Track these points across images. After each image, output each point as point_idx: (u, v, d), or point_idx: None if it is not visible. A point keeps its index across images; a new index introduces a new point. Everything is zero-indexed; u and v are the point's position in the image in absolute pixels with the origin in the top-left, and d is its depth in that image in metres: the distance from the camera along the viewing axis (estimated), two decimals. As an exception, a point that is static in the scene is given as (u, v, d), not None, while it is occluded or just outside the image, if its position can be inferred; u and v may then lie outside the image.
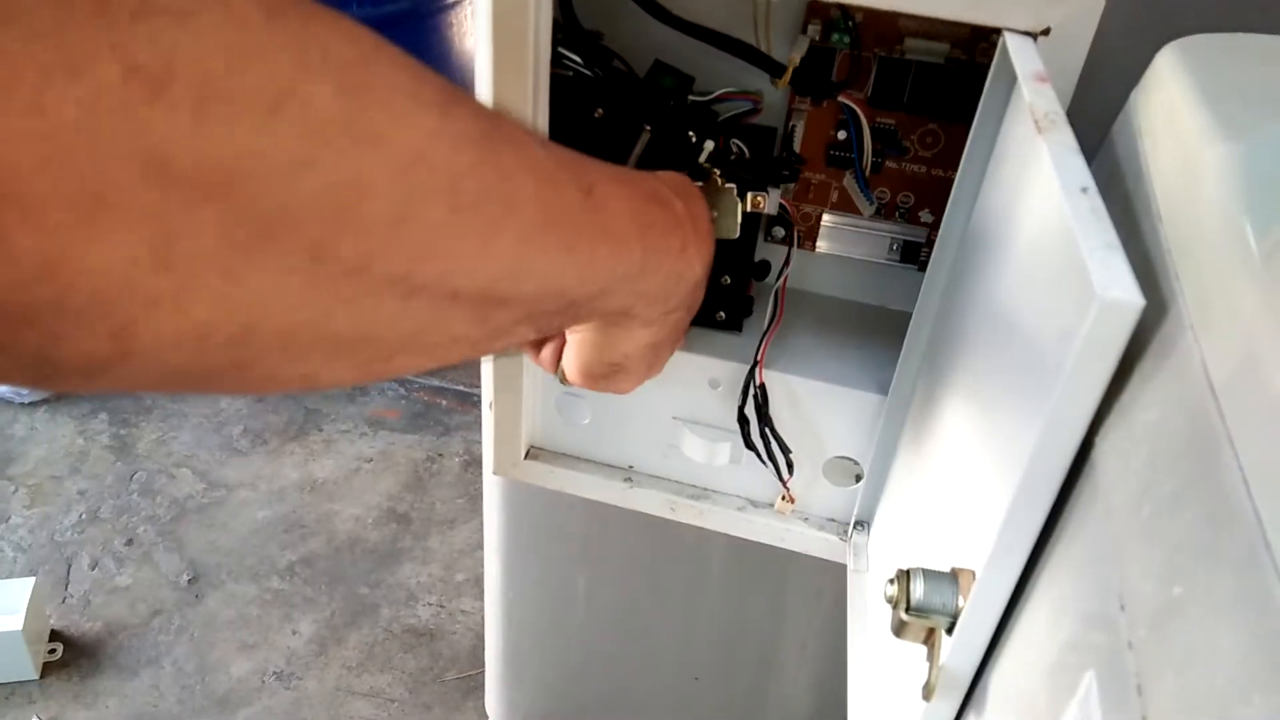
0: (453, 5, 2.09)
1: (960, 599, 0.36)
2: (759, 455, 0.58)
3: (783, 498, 0.60)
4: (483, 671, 1.03)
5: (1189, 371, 0.26)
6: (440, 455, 1.65)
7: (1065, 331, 0.28)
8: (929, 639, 0.37)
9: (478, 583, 1.45)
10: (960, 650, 0.34)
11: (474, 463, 1.63)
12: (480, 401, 1.89)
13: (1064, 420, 0.28)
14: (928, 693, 0.36)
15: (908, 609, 0.36)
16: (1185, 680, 0.21)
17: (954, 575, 0.37)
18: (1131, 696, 0.23)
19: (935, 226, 0.56)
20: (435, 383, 1.78)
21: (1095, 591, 0.27)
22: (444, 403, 1.75)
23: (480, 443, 1.66)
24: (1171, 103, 0.34)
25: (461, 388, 1.77)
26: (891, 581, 0.37)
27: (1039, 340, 0.32)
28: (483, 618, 1.38)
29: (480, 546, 1.50)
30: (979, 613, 0.33)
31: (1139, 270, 0.27)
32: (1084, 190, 0.30)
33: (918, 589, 0.36)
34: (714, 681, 0.85)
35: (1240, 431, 0.23)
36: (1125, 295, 0.26)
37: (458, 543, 1.51)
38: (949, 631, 0.36)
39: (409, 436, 1.68)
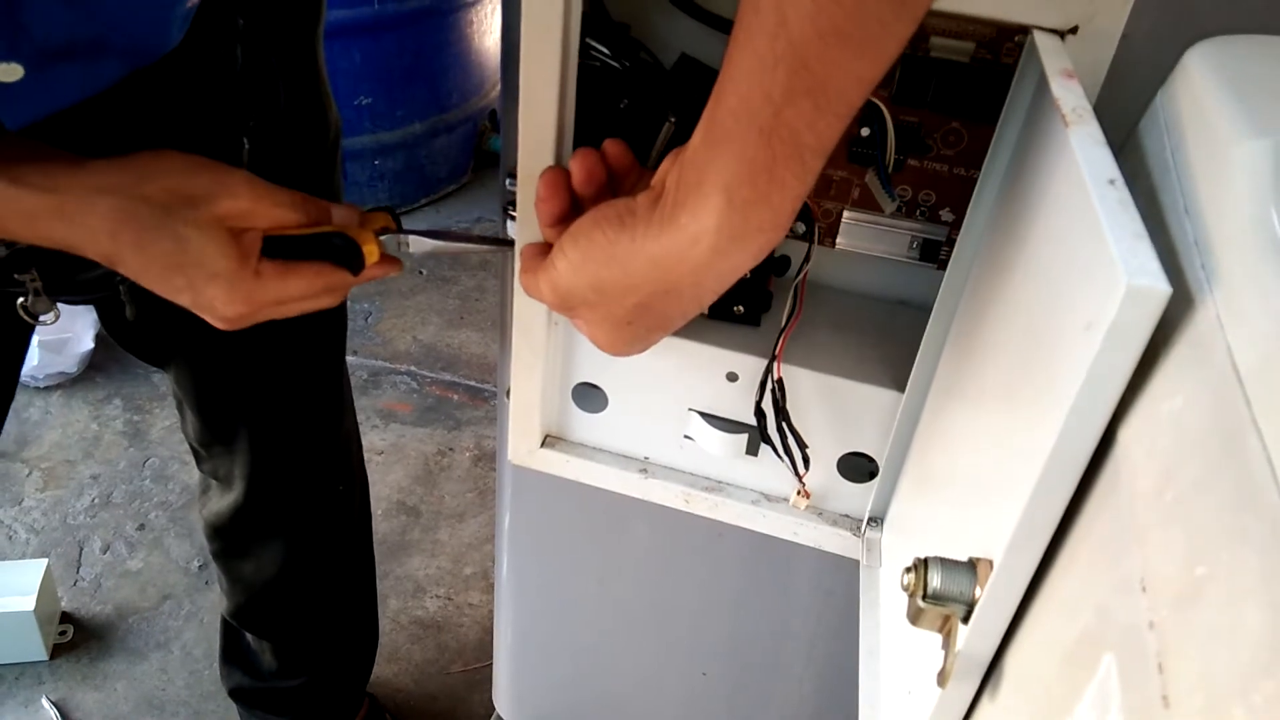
0: (472, 3, 2.10)
1: (977, 588, 0.36)
2: (775, 449, 0.59)
3: (798, 492, 0.60)
4: (489, 665, 1.03)
5: (1215, 359, 0.26)
6: (451, 449, 1.65)
7: (1091, 321, 0.29)
8: (945, 626, 0.37)
9: (485, 576, 1.46)
10: (977, 636, 0.34)
11: (484, 457, 1.64)
12: (491, 397, 1.89)
13: (1088, 407, 0.28)
14: (943, 679, 0.36)
15: (924, 596, 0.37)
16: (1207, 657, 0.22)
17: (971, 564, 0.37)
18: (1152, 675, 0.23)
19: (956, 225, 0.56)
20: (447, 377, 1.79)
21: (1116, 575, 0.27)
22: (455, 397, 1.75)
23: (491, 438, 1.68)
24: (1200, 100, 0.34)
25: (473, 383, 1.78)
26: (909, 570, 0.38)
27: (1063, 332, 0.32)
28: (490, 611, 1.39)
29: (489, 541, 1.51)
30: (997, 599, 0.33)
31: (1165, 261, 0.27)
32: (1111, 182, 0.31)
33: (935, 577, 0.37)
34: (721, 677, 0.85)
35: (1267, 416, 0.23)
36: (1152, 282, 0.26)
37: (466, 536, 1.52)
38: (965, 620, 0.36)
39: (420, 430, 1.68)
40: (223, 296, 0.50)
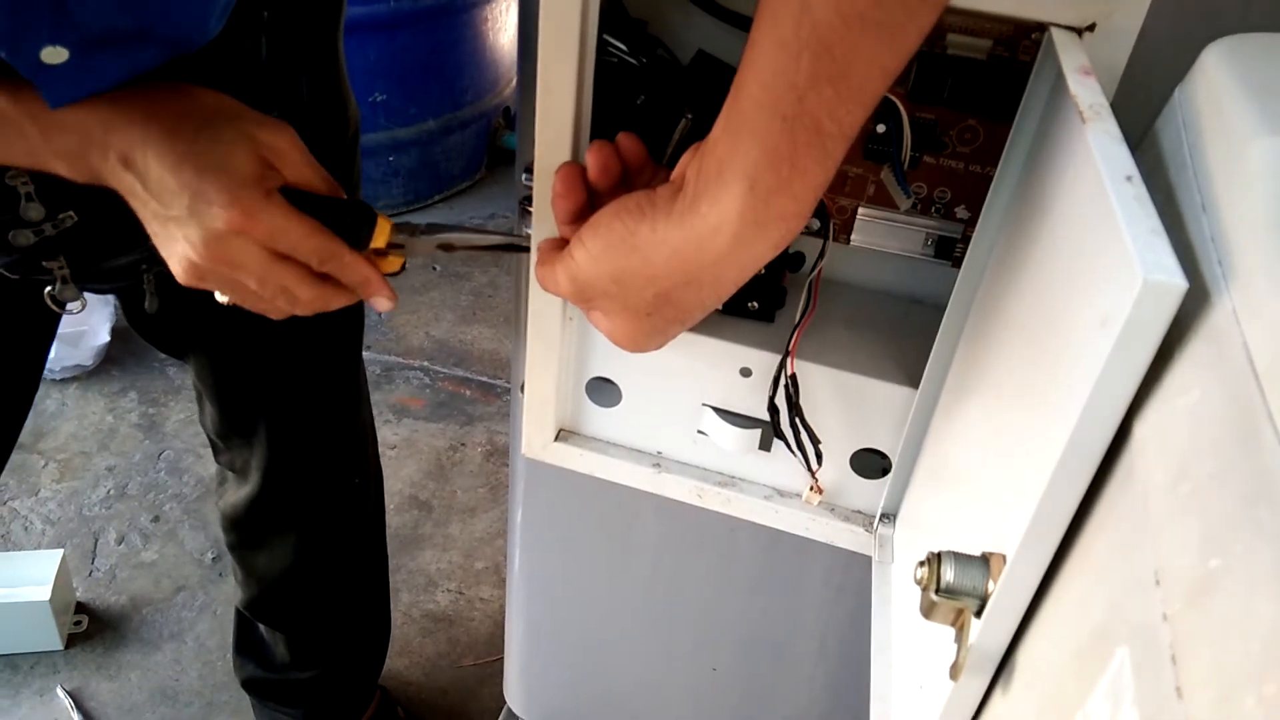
0: (487, 1, 2.10)
1: (990, 582, 0.36)
2: (788, 445, 0.59)
3: (811, 488, 0.60)
4: (500, 659, 1.04)
5: (1231, 355, 0.26)
6: (463, 444, 1.66)
7: (1107, 316, 0.29)
8: (957, 620, 0.37)
9: (497, 571, 1.46)
10: (990, 630, 0.35)
11: (496, 453, 1.65)
12: (503, 393, 1.89)
13: (1103, 402, 0.29)
14: (955, 673, 0.36)
15: (938, 590, 0.37)
16: (1221, 649, 0.22)
17: (984, 559, 0.37)
18: (1165, 667, 0.23)
19: (971, 223, 0.56)
20: (460, 373, 1.79)
21: (1130, 568, 0.27)
22: (468, 393, 1.76)
23: (502, 433, 1.68)
24: (1218, 98, 0.34)
25: (485, 378, 1.79)
26: (922, 564, 0.38)
27: (1079, 327, 0.32)
28: (501, 605, 1.39)
29: (500, 535, 1.51)
30: (1010, 593, 0.34)
31: (1181, 257, 0.28)
32: (1128, 178, 0.31)
33: (948, 571, 0.37)
34: (731, 673, 0.85)
35: (1282, 410, 0.23)
36: (1169, 278, 0.26)
37: (478, 531, 1.52)
38: (978, 614, 0.36)
39: (432, 425, 1.69)
40: (226, 197, 0.49)
